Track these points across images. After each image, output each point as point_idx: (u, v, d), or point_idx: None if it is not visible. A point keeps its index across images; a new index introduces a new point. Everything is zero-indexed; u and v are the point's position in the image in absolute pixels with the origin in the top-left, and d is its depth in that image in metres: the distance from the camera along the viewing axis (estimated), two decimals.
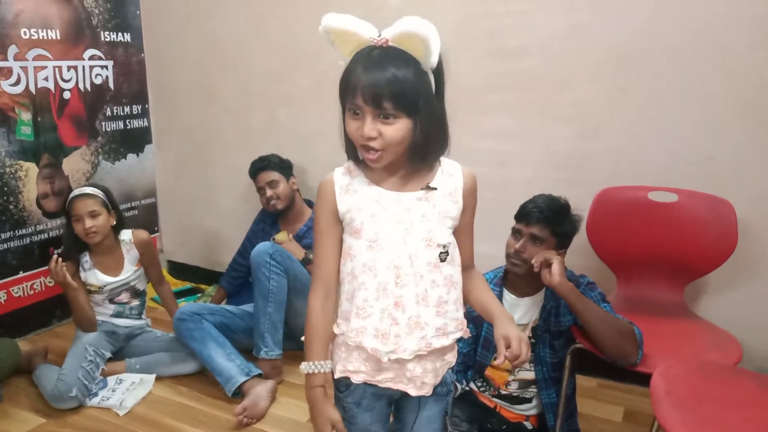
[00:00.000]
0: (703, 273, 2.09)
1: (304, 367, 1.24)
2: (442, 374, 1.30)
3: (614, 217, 2.15)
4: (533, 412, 1.94)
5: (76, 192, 2.40)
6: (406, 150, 1.14)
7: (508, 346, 1.17)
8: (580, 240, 2.02)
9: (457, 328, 1.25)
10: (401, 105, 1.08)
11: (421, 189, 1.19)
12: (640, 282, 2.14)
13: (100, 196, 2.41)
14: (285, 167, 2.77)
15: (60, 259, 2.29)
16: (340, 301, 1.25)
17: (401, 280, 1.18)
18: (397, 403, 1.33)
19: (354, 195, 1.20)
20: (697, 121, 2.16)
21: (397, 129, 1.10)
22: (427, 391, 1.26)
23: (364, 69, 1.08)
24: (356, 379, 1.25)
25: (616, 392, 2.39)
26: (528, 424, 1.94)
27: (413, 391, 1.25)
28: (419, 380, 1.24)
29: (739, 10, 2.04)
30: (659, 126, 2.22)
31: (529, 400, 1.94)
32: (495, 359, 1.23)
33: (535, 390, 1.91)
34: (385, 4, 2.50)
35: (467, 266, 1.30)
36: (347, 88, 1.11)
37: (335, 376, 1.28)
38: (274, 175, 2.73)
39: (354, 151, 1.19)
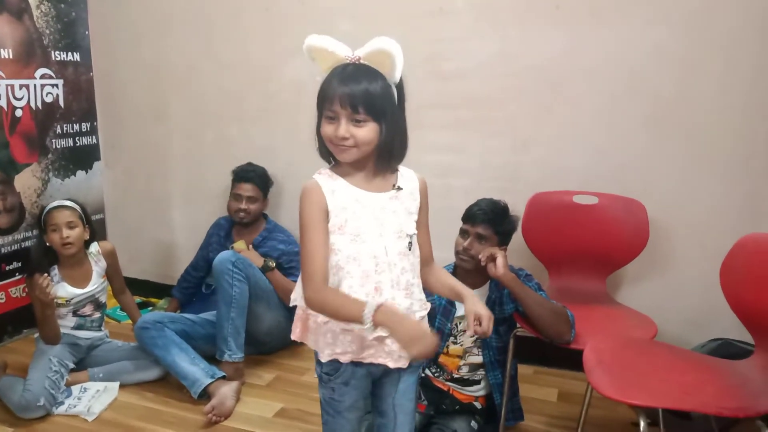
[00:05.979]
0: (621, 265, 2.41)
1: (368, 323, 1.26)
2: None
3: (544, 218, 2.43)
4: (482, 392, 2.17)
5: (54, 204, 2.46)
6: (375, 152, 1.34)
7: (477, 321, 1.38)
8: (516, 240, 2.27)
9: (421, 307, 1.44)
10: (371, 111, 1.29)
11: (393, 189, 1.41)
12: (568, 274, 2.42)
13: (77, 209, 2.48)
14: (266, 187, 2.89)
15: (51, 280, 2.34)
16: None
17: (379, 267, 1.36)
18: (378, 380, 1.50)
19: (338, 196, 1.37)
20: (611, 134, 2.49)
21: (367, 131, 1.30)
22: (403, 363, 1.43)
23: (340, 81, 1.29)
24: (344, 359, 1.42)
25: (551, 377, 2.67)
26: (477, 404, 2.17)
27: (392, 364, 1.42)
28: (396, 354, 1.41)
29: (642, 36, 2.38)
30: (579, 139, 2.54)
31: (478, 382, 2.17)
32: (464, 331, 1.41)
33: (483, 373, 2.15)
34: (335, 29, 2.70)
35: (428, 261, 1.50)
36: (325, 98, 1.31)
37: (323, 360, 1.43)
38: (256, 192, 2.84)
39: (327, 153, 1.38)
